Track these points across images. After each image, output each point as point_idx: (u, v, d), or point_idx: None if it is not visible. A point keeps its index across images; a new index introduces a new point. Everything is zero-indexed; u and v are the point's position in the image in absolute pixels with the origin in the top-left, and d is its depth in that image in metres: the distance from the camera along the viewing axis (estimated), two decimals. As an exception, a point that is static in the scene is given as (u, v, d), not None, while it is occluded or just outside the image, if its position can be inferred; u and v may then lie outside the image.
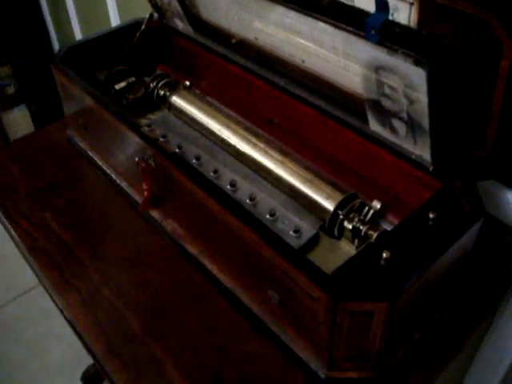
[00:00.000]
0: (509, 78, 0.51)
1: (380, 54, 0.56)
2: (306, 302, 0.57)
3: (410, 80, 0.55)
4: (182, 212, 0.74)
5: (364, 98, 0.65)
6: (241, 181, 0.75)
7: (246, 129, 0.80)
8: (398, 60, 0.54)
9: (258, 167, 0.76)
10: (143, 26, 0.95)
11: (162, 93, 0.91)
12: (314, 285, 0.55)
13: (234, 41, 0.89)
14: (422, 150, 0.64)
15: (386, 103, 0.62)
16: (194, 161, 0.79)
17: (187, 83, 0.91)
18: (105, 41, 0.95)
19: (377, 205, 0.68)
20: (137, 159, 0.72)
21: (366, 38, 0.54)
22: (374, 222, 0.67)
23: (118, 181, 0.86)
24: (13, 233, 0.84)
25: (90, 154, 0.92)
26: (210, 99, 0.90)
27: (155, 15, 0.95)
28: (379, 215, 0.69)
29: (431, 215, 0.61)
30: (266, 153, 0.76)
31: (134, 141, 0.75)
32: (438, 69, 0.52)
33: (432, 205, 0.61)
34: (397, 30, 0.52)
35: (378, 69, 0.58)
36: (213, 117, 0.83)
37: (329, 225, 0.68)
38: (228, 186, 0.75)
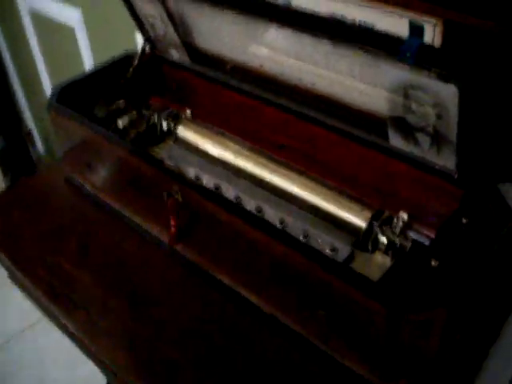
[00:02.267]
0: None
1: (411, 75, 0.59)
2: (362, 317, 0.58)
3: (440, 97, 0.58)
4: (211, 242, 0.73)
5: (386, 115, 0.68)
6: (265, 206, 0.76)
7: (260, 154, 0.82)
8: (430, 79, 0.57)
9: (281, 192, 0.77)
10: (137, 59, 0.95)
11: (165, 125, 0.91)
12: (371, 299, 0.56)
13: (229, 66, 0.90)
14: (445, 160, 0.67)
15: (412, 119, 0.65)
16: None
17: (189, 113, 0.92)
18: (97, 77, 0.94)
19: (404, 216, 0.71)
20: (165, 195, 0.72)
21: (400, 60, 0.57)
22: (403, 233, 0.70)
23: (132, 217, 0.84)
24: (27, 282, 0.81)
25: (95, 193, 0.90)
26: (215, 128, 0.90)
27: (147, 47, 0.95)
28: (406, 226, 0.72)
29: (464, 221, 0.64)
30: (286, 176, 0.77)
31: (154, 176, 0.74)
32: (469, 86, 0.55)
33: (463, 211, 0.65)
34: (431, 51, 0.55)
35: (406, 88, 0.61)
36: (224, 145, 0.84)
37: (362, 240, 0.71)
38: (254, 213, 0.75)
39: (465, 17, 0.55)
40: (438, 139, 0.65)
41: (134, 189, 0.81)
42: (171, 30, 0.87)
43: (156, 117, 0.91)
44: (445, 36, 0.57)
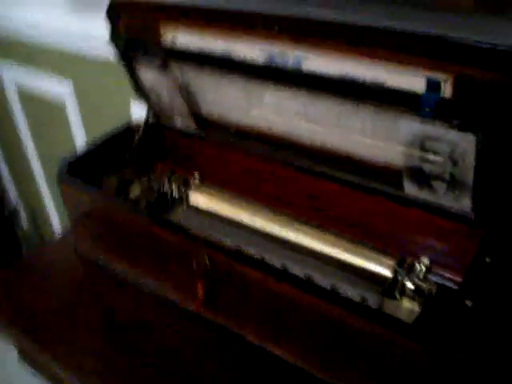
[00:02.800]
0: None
1: (430, 128, 0.63)
2: (405, 361, 0.59)
3: (457, 145, 0.62)
4: (240, 303, 0.74)
5: (399, 166, 0.72)
6: (290, 264, 0.77)
7: (277, 213, 0.84)
8: (448, 130, 0.61)
9: (303, 249, 0.79)
10: (141, 129, 0.97)
11: (176, 192, 0.92)
12: (415, 342, 0.57)
13: (232, 130, 0.93)
14: (461, 204, 0.70)
15: (428, 168, 0.69)
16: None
17: (197, 177, 0.94)
18: (103, 149, 0.96)
19: (426, 261, 0.73)
20: (194, 261, 0.72)
21: (421, 115, 0.61)
22: (425, 278, 0.72)
23: (152, 287, 0.84)
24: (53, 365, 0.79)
25: (110, 263, 0.89)
26: (225, 191, 0.92)
27: (151, 117, 0.97)
28: (428, 270, 0.74)
29: (488, 260, 0.67)
30: (307, 233, 0.79)
31: (178, 243, 0.75)
32: (485, 134, 0.59)
33: (485, 250, 0.68)
34: (446, 104, 0.59)
35: (423, 140, 0.65)
36: (239, 207, 0.86)
37: (389, 288, 0.72)
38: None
39: (474, 71, 0.60)
40: (453, 185, 0.69)
41: (154, 257, 0.81)
42: (178, 99, 0.90)
43: (166, 184, 0.93)
44: (455, 89, 0.62)
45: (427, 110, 0.60)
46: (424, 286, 0.71)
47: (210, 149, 0.96)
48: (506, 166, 0.64)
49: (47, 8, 1.31)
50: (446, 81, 0.62)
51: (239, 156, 0.93)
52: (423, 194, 0.74)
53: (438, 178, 0.69)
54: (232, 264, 0.70)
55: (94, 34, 1.16)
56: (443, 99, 0.59)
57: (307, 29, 0.70)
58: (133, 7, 0.86)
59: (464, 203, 0.70)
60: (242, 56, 0.78)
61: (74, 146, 1.51)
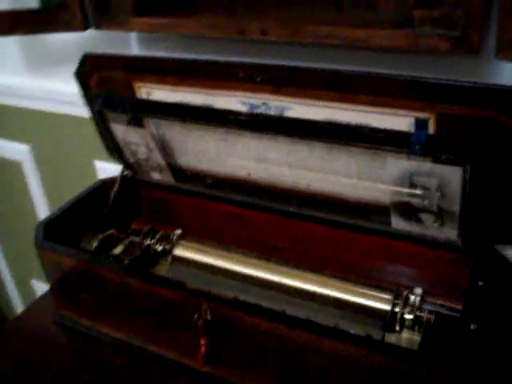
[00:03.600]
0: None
1: (417, 164, 0.66)
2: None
3: (445, 178, 0.66)
4: (247, 356, 0.72)
5: (385, 203, 0.75)
6: (289, 309, 0.77)
7: (266, 260, 0.84)
8: (437, 165, 0.65)
9: (299, 292, 0.79)
10: (117, 186, 0.95)
11: (159, 248, 0.91)
12: (435, 373, 0.59)
13: (209, 181, 0.94)
14: (448, 233, 0.74)
15: (416, 202, 0.72)
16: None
17: (179, 232, 0.93)
18: (78, 208, 0.93)
19: (419, 291, 0.76)
20: (196, 316, 0.71)
21: (412, 153, 0.64)
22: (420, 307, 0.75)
23: (148, 348, 0.81)
24: None
25: (98, 330, 0.85)
26: (210, 243, 0.91)
27: (126, 173, 0.96)
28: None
29: (480, 283, 0.71)
30: (300, 277, 0.80)
31: (176, 299, 0.73)
32: (471, 167, 0.64)
33: (477, 275, 0.71)
34: (435, 140, 0.63)
35: (412, 176, 0.69)
36: (227, 257, 0.86)
37: (390, 322, 0.74)
38: (278, 316, 0.76)
39: (453, 108, 0.64)
40: (441, 215, 0.72)
41: (148, 317, 0.79)
42: (156, 153, 0.90)
43: (148, 241, 0.91)
44: (438, 126, 0.66)
45: (417, 147, 0.63)
46: (422, 315, 0.73)
47: (188, 200, 0.96)
48: (490, 195, 0.69)
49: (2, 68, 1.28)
50: (428, 119, 0.67)
51: (219, 205, 0.93)
52: (411, 227, 0.77)
53: (426, 210, 0.73)
54: (239, 316, 0.69)
55: (54, 92, 1.14)
56: (431, 136, 0.63)
57: (289, 78, 0.73)
58: (104, 63, 0.86)
59: (451, 232, 0.74)
60: (222, 107, 0.80)
61: (33, 213, 1.45)
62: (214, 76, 0.78)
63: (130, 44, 0.99)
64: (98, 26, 0.85)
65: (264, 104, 0.77)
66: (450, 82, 0.63)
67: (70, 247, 0.84)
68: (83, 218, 0.94)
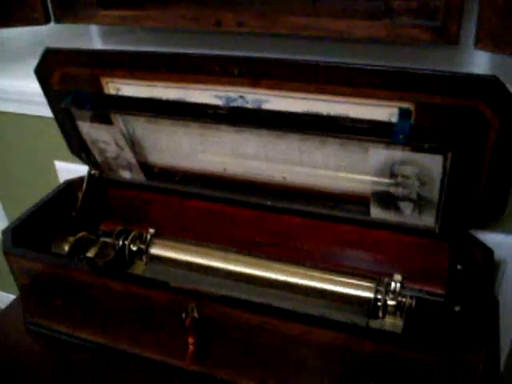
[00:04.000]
0: (495, 147, 0.67)
1: (399, 153, 0.68)
2: (416, 371, 0.62)
3: (426, 167, 0.68)
4: (236, 351, 0.72)
5: (367, 192, 0.76)
6: (274, 302, 0.77)
7: (245, 255, 0.84)
8: (419, 153, 0.66)
9: (282, 285, 0.79)
10: (85, 186, 0.92)
11: (134, 248, 0.88)
12: (428, 353, 0.61)
13: (177, 177, 0.92)
14: (426, 220, 0.76)
15: (395, 190, 0.74)
16: (212, 299, 0.79)
17: (152, 231, 0.91)
18: (45, 211, 0.89)
19: (399, 277, 0.77)
20: (183, 315, 0.69)
21: (394, 142, 0.65)
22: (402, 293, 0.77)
23: (129, 350, 0.79)
24: None
25: (75, 336, 0.82)
26: (186, 240, 0.90)
27: (93, 172, 0.93)
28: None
29: (459, 267, 0.73)
30: (283, 270, 0.80)
31: (161, 300, 0.72)
32: (452, 155, 0.65)
33: (456, 259, 0.74)
34: (416, 130, 0.65)
35: (393, 165, 0.70)
36: (205, 255, 0.84)
37: (373, 309, 0.75)
38: (263, 310, 0.76)
39: (433, 98, 0.66)
40: (419, 203, 0.74)
41: (128, 318, 0.76)
42: (126, 151, 0.87)
43: (121, 242, 0.89)
44: (418, 115, 0.67)
45: (401, 137, 0.64)
46: (403, 300, 0.74)
47: (161, 198, 0.94)
48: (467, 182, 0.71)
49: None
50: (409, 108, 0.68)
51: (193, 202, 0.92)
52: (389, 216, 0.78)
53: (405, 198, 0.75)
54: (227, 312, 0.68)
55: (11, 91, 1.08)
56: (415, 126, 0.65)
57: (267, 70, 0.72)
58: (68, 59, 0.82)
59: (428, 219, 0.76)
60: (196, 102, 0.78)
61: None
62: (188, 70, 0.76)
63: (92, 38, 0.95)
64: (60, 20, 0.82)
65: (241, 97, 0.76)
66: (430, 72, 0.64)
67: (41, 253, 0.80)
68: (51, 221, 0.90)
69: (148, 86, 0.80)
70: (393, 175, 0.72)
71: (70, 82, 0.84)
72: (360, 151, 0.73)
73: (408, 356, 0.61)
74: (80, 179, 0.96)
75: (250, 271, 0.81)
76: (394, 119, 0.69)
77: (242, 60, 0.72)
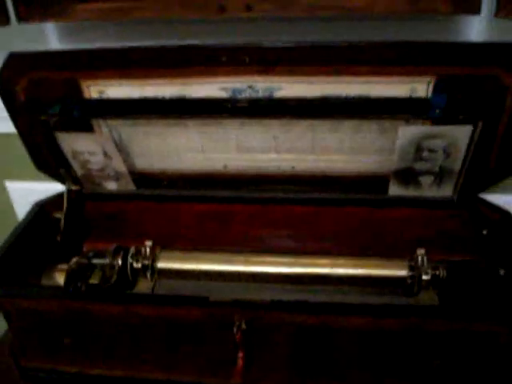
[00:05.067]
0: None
1: (429, 128, 0.67)
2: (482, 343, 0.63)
3: (455, 138, 0.68)
4: (284, 357, 0.68)
5: (386, 170, 0.75)
6: (311, 298, 0.74)
7: (261, 254, 0.79)
8: (449, 126, 0.66)
9: (312, 279, 0.76)
10: (65, 205, 0.81)
11: (138, 266, 0.80)
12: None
13: (164, 183, 0.85)
14: (444, 191, 0.77)
15: (419, 165, 0.73)
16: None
17: (149, 244, 0.82)
18: (22, 240, 0.78)
19: (422, 251, 0.77)
20: (235, 329, 0.64)
21: (430, 117, 0.64)
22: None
23: (158, 378, 0.72)
24: None
25: (91, 372, 0.73)
26: (190, 249, 0.83)
27: (74, 188, 0.82)
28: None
29: (484, 232, 0.75)
30: (309, 263, 0.76)
31: (198, 316, 0.65)
32: (481, 124, 0.66)
33: (482, 225, 0.75)
34: (456, 102, 0.64)
35: (421, 141, 0.69)
36: (224, 261, 0.78)
37: (409, 287, 0.75)
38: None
39: (455, 69, 0.65)
40: (440, 175, 0.74)
41: (155, 345, 0.69)
42: (116, 160, 0.78)
43: (121, 260, 0.79)
44: (442, 88, 0.67)
45: (437, 111, 0.64)
46: (437, 273, 0.75)
47: (152, 207, 0.86)
48: (486, 147, 0.72)
49: None
50: (430, 82, 0.67)
51: (190, 206, 0.85)
52: (408, 192, 0.78)
53: (427, 172, 0.74)
54: (280, 317, 0.64)
55: None
56: (451, 99, 0.64)
57: (279, 56, 0.68)
58: (37, 63, 0.71)
59: (447, 190, 0.77)
60: (197, 97, 0.72)
61: None
62: (188, 63, 0.69)
63: (47, 37, 0.83)
64: (26, 19, 0.70)
65: (250, 87, 0.71)
66: (449, 43, 0.64)
67: (44, 289, 0.70)
68: (33, 251, 0.79)
69: (139, 84, 0.72)
70: (419, 150, 0.71)
71: (39, 90, 0.73)
72: (378, 130, 0.72)
73: (475, 329, 0.62)
74: (52, 199, 0.85)
75: (276, 270, 0.77)
76: (415, 95, 0.68)
77: (253, 47, 0.67)
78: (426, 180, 0.76)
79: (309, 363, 0.67)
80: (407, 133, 0.69)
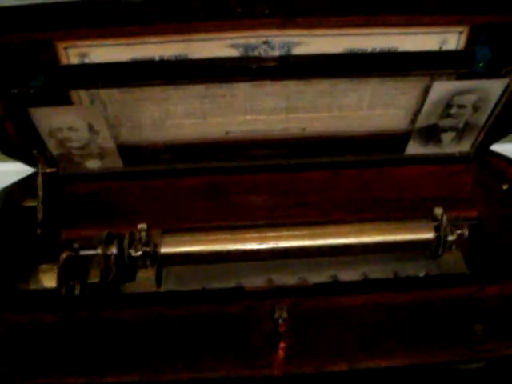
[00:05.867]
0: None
1: (466, 83, 0.61)
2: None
3: (487, 92, 0.63)
4: (325, 339, 0.63)
5: (411, 129, 0.70)
6: (339, 273, 0.69)
7: (282, 228, 0.72)
8: (485, 80, 0.61)
9: (336, 250, 0.70)
10: (41, 191, 0.69)
11: (138, 253, 0.70)
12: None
13: (148, 153, 0.75)
14: (463, 147, 0.73)
15: (445, 122, 0.68)
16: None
17: (144, 227, 0.72)
18: None
19: (440, 210, 0.74)
20: (280, 321, 0.57)
21: (473, 71, 0.58)
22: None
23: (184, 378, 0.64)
24: None
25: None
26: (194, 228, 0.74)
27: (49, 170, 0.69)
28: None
29: (505, 187, 0.73)
30: (332, 234, 0.70)
31: (232, 310, 0.58)
32: None
33: (500, 180, 0.73)
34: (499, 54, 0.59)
35: (452, 96, 0.64)
36: (237, 240, 0.70)
37: (435, 248, 0.71)
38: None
39: (486, 18, 0.60)
40: (463, 131, 0.70)
41: (178, 345, 0.61)
42: (103, 135, 0.66)
43: (116, 250, 0.69)
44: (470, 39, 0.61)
45: (481, 65, 0.58)
46: (461, 232, 0.72)
47: (142, 185, 0.75)
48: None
49: None
50: (461, 33, 0.61)
51: (184, 180, 0.75)
52: (426, 149, 0.74)
53: (451, 129, 0.70)
54: (325, 301, 0.58)
55: None
56: (495, 52, 0.58)
57: (300, 6, 0.58)
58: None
59: (465, 145, 0.73)
60: (202, 57, 0.61)
61: None
62: (193, 17, 0.58)
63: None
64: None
65: (265, 43, 0.61)
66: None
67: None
68: (7, 249, 0.66)
69: (131, 44, 0.60)
70: (448, 107, 0.66)
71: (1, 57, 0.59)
72: (403, 86, 0.65)
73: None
74: (21, 183, 0.72)
75: (296, 244, 0.70)
76: (445, 47, 0.62)
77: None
78: (448, 136, 0.71)
79: (357, 345, 0.62)
80: (441, 88, 0.63)
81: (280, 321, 0.58)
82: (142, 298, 0.60)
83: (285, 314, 0.58)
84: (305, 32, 0.60)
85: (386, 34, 0.61)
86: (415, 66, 0.60)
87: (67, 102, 0.63)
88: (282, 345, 0.60)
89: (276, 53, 0.61)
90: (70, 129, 0.64)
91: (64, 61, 0.60)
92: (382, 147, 0.73)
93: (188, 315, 0.58)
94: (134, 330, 0.59)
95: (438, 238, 0.71)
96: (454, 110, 0.66)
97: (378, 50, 0.62)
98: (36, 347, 0.61)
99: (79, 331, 0.59)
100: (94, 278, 0.66)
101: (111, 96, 0.65)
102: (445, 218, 0.72)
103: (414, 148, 0.73)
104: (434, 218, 0.72)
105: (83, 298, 0.62)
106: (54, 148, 0.67)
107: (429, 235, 0.71)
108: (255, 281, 0.69)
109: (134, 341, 0.60)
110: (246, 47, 0.61)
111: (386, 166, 0.75)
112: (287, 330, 0.59)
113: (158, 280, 0.70)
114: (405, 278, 0.60)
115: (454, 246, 0.72)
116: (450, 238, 0.71)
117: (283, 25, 0.59)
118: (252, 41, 0.61)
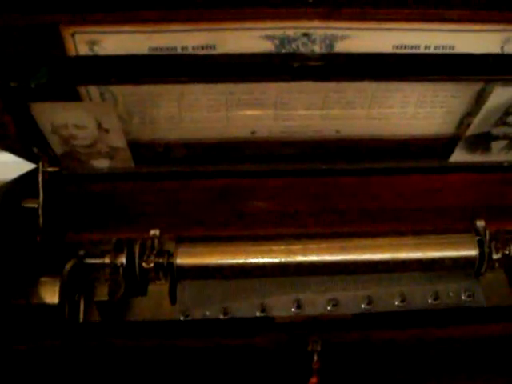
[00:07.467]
0: None
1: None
2: None
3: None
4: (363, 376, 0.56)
5: (460, 135, 0.62)
6: (376, 292, 0.62)
7: (309, 240, 0.65)
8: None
9: (366, 267, 0.63)
10: (41, 192, 0.61)
11: (150, 265, 0.62)
12: None
13: (160, 149, 0.67)
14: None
15: (498, 130, 0.61)
16: (293, 309, 0.60)
17: (156, 233, 0.65)
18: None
19: (482, 223, 0.67)
20: (315, 358, 0.50)
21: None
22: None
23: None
24: None
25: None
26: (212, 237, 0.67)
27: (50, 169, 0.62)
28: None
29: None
30: (368, 247, 0.63)
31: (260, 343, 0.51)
32: None
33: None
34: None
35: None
36: (264, 252, 0.63)
37: (478, 267, 0.65)
38: (363, 305, 0.61)
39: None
40: (515, 139, 0.63)
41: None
42: (113, 133, 0.58)
43: (125, 260, 0.62)
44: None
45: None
46: (507, 252, 0.65)
47: (153, 187, 0.67)
48: None
49: None
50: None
51: (202, 183, 0.68)
52: (472, 158, 0.66)
53: (504, 137, 0.62)
54: (365, 334, 0.52)
55: None
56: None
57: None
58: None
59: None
60: (231, 50, 0.53)
61: None
62: (224, 2, 0.50)
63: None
64: None
65: (305, 35, 0.53)
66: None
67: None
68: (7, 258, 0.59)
69: (147, 32, 0.51)
70: (506, 114, 0.58)
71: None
72: (455, 90, 0.58)
73: None
74: (18, 181, 0.64)
75: (325, 258, 0.63)
76: (508, 46, 0.54)
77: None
78: (499, 145, 0.64)
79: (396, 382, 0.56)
80: (502, 94, 0.55)
81: (314, 355, 0.51)
82: (160, 327, 0.52)
83: (318, 348, 0.52)
84: (350, 25, 0.52)
85: (441, 30, 0.53)
86: (477, 71, 0.52)
87: (74, 96, 0.55)
88: (313, 379, 0.54)
89: (316, 47, 0.53)
90: (76, 126, 0.56)
91: (70, 48, 0.52)
92: (423, 153, 0.66)
93: (210, 347, 0.51)
94: (148, 360, 0.52)
95: (481, 254, 0.64)
96: (511, 118, 0.59)
97: (432, 47, 0.54)
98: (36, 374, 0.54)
99: (84, 359, 0.53)
100: (101, 296, 0.58)
101: (123, 90, 0.57)
102: (487, 232, 0.65)
103: (459, 155, 0.65)
104: (477, 232, 0.65)
105: (90, 324, 0.54)
106: (57, 146, 0.59)
107: (472, 252, 0.64)
108: (281, 300, 0.62)
109: (148, 371, 0.54)
110: (283, 39, 0.53)
111: (425, 173, 0.68)
112: (321, 363, 0.53)
113: (172, 295, 0.63)
114: (458, 311, 0.53)
115: (496, 264, 0.66)
116: (495, 256, 0.65)
117: (327, 15, 0.51)
118: (290, 32, 0.52)
